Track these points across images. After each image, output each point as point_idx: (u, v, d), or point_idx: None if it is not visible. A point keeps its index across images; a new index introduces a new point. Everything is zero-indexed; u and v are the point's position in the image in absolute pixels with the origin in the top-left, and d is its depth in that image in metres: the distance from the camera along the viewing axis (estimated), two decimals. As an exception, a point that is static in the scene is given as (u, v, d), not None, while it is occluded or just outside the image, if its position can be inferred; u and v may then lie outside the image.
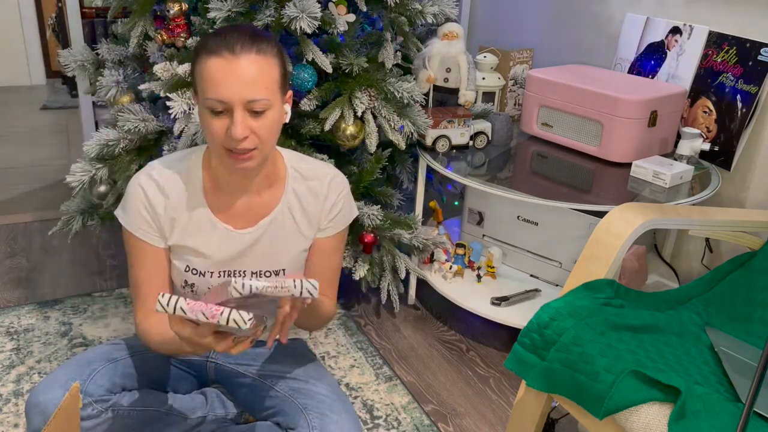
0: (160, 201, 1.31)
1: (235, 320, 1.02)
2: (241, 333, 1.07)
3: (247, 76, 1.16)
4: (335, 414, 1.31)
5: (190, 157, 1.35)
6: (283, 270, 1.39)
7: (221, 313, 1.02)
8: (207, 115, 1.19)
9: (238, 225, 1.35)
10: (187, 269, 1.35)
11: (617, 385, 1.12)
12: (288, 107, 1.30)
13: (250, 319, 1.02)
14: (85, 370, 1.28)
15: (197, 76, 1.20)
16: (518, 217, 2.10)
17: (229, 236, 1.34)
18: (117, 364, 1.33)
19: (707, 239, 2.05)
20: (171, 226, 1.33)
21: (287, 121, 1.29)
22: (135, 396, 1.32)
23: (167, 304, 1.03)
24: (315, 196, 1.38)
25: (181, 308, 1.02)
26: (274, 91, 1.20)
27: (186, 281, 1.37)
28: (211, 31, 1.76)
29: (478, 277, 2.09)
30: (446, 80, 2.08)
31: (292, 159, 1.39)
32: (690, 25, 2.04)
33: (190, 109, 1.69)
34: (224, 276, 1.36)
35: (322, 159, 1.86)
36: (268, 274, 1.38)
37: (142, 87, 1.80)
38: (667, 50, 2.11)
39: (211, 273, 1.35)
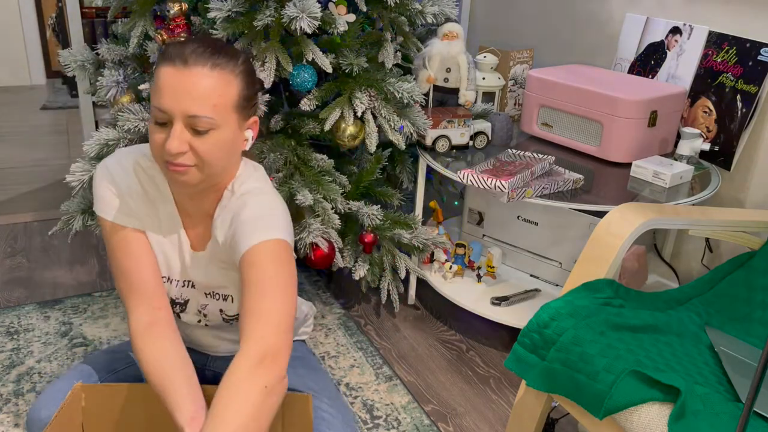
0: (124, 180, 1.20)
1: None
2: None
3: (193, 89, 1.06)
4: (333, 431, 1.29)
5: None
6: (231, 296, 1.29)
7: None
8: (151, 123, 1.11)
9: (196, 246, 1.27)
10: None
11: (617, 385, 1.12)
12: (250, 133, 1.18)
13: None
14: (87, 382, 1.28)
15: (153, 81, 1.13)
16: (518, 217, 2.10)
17: (190, 255, 1.26)
18: (118, 374, 1.33)
19: (707, 239, 2.05)
20: (142, 213, 1.21)
21: (247, 148, 1.18)
22: None
23: None
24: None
25: None
26: (225, 111, 1.09)
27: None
28: (210, 31, 1.76)
29: (478, 277, 2.09)
30: (446, 80, 2.08)
31: (241, 178, 1.23)
32: (690, 25, 2.04)
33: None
34: (188, 287, 1.28)
35: (322, 159, 1.86)
36: (217, 297, 1.29)
37: (142, 87, 1.80)
38: (667, 50, 2.11)
39: (177, 282, 1.28)
